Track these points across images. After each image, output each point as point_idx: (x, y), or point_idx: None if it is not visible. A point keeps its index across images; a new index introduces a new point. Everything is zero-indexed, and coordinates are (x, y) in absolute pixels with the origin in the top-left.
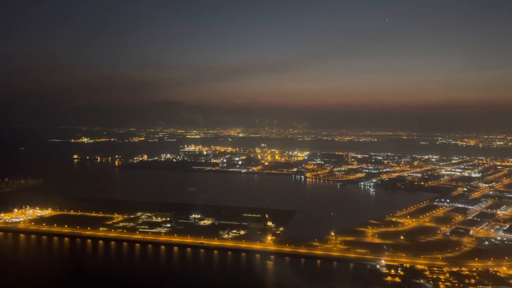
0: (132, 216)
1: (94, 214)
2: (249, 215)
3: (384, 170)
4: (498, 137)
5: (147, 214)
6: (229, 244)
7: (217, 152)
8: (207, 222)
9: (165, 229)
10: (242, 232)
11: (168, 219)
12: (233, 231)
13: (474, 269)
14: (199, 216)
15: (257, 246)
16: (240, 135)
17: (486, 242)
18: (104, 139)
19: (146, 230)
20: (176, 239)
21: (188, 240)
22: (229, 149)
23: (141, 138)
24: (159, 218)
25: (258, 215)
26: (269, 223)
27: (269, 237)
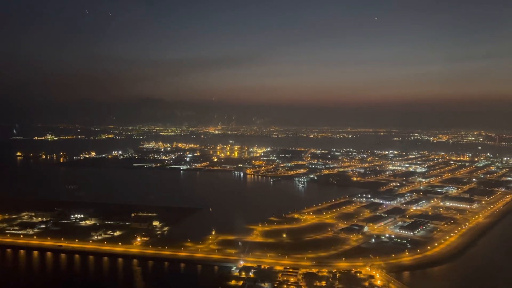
0: (13, 216)
1: None
2: (144, 214)
3: (331, 166)
4: (475, 133)
5: (32, 213)
6: (90, 247)
7: (172, 148)
8: (89, 222)
9: (37, 230)
10: (117, 233)
11: (49, 219)
12: (108, 232)
13: (335, 270)
14: (81, 216)
15: (119, 248)
16: (216, 132)
17: (373, 240)
18: (71, 136)
19: (15, 232)
20: (35, 241)
21: (48, 242)
22: (188, 146)
23: (109, 135)
24: (39, 218)
25: (154, 214)
26: (156, 223)
27: (138, 238)
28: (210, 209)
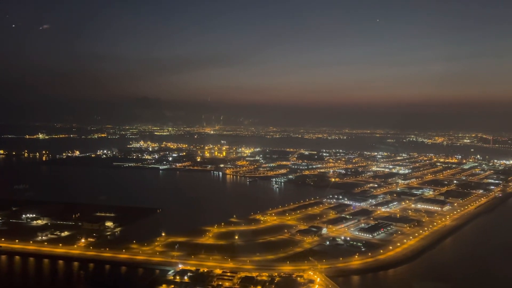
0: None
1: None
2: (102, 214)
3: (314, 166)
4: (472, 135)
5: None
6: (31, 248)
7: (160, 148)
8: (40, 222)
9: None
10: (64, 234)
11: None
12: (55, 232)
13: (276, 274)
14: (33, 215)
15: (59, 250)
16: (212, 132)
17: (327, 242)
18: (63, 135)
19: None
20: None
21: None
22: (176, 146)
23: (102, 135)
24: None
25: (112, 214)
26: (109, 223)
27: (83, 240)
28: (158, 210)
